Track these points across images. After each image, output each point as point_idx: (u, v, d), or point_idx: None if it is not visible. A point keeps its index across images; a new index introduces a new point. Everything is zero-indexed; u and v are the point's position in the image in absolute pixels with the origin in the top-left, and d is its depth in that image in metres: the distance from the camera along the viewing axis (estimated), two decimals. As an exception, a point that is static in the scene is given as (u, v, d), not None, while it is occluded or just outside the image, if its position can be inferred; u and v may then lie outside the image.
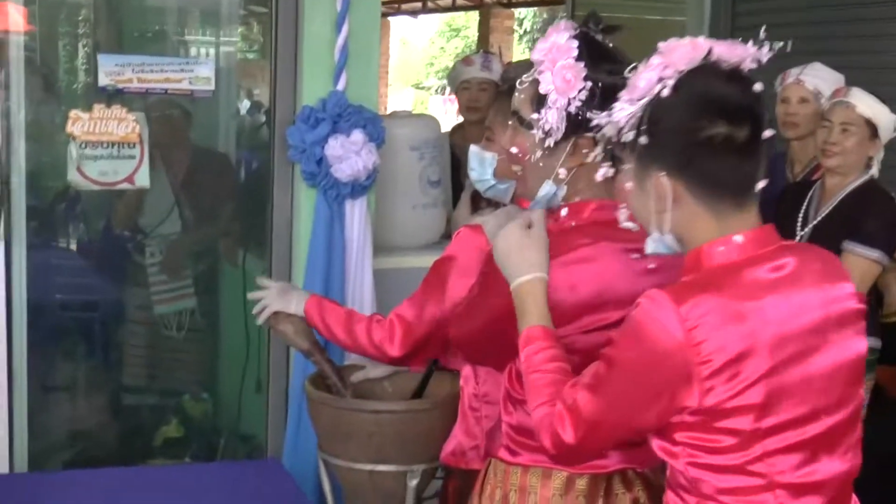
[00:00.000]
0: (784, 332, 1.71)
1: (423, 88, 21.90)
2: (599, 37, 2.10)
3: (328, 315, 2.70)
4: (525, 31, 18.83)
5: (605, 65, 2.05)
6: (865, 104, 3.68)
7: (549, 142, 2.06)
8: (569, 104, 2.03)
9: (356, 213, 3.45)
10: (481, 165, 2.53)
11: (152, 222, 4.38)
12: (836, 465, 1.79)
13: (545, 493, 2.12)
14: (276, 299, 2.77)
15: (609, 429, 1.78)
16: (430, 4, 15.34)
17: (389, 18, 17.00)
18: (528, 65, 2.16)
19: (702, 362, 1.66)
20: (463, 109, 4.57)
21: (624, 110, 1.76)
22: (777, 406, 1.70)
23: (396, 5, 15.66)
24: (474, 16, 16.13)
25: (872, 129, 3.69)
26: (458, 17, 20.86)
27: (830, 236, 3.66)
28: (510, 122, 2.17)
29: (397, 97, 19.91)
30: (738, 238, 1.75)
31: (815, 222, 3.75)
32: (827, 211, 3.73)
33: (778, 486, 1.73)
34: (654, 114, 1.74)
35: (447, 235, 3.96)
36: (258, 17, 4.15)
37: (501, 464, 2.19)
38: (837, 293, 1.79)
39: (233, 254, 4.39)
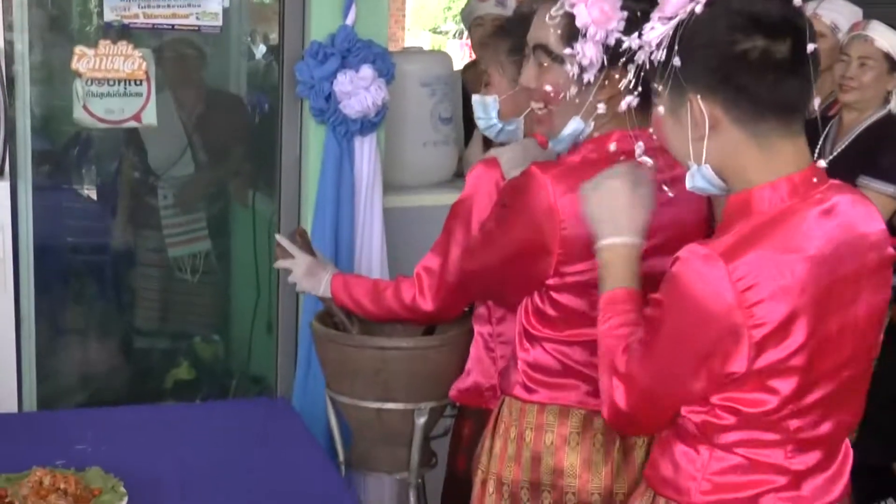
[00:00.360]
0: (829, 284, 1.65)
1: (440, 33, 21.69)
2: None
3: (354, 290, 2.61)
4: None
5: None
6: (885, 37, 3.62)
7: (587, 76, 1.99)
8: (606, 36, 1.97)
9: (366, 151, 3.41)
10: (485, 111, 2.48)
11: (165, 164, 4.36)
12: (844, 417, 1.76)
13: (562, 430, 2.10)
14: (305, 279, 2.69)
15: (661, 396, 1.73)
16: (446, -54, 15.16)
17: (405, -39, 16.83)
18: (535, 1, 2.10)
19: (754, 325, 1.60)
20: (476, 46, 4.50)
21: (655, 30, 1.68)
22: (817, 363, 1.66)
23: (412, -52, 15.48)
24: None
25: (891, 62, 3.63)
26: (475, -39, 20.61)
27: (846, 172, 3.60)
28: (539, 61, 2.08)
29: (414, 41, 19.75)
30: (787, 182, 1.67)
31: (831, 157, 3.69)
32: (843, 146, 3.68)
33: (791, 442, 1.71)
34: (687, 31, 1.65)
35: (459, 174, 3.91)
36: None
37: (517, 402, 2.17)
38: (875, 238, 1.73)
39: (243, 195, 4.36)
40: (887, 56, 3.62)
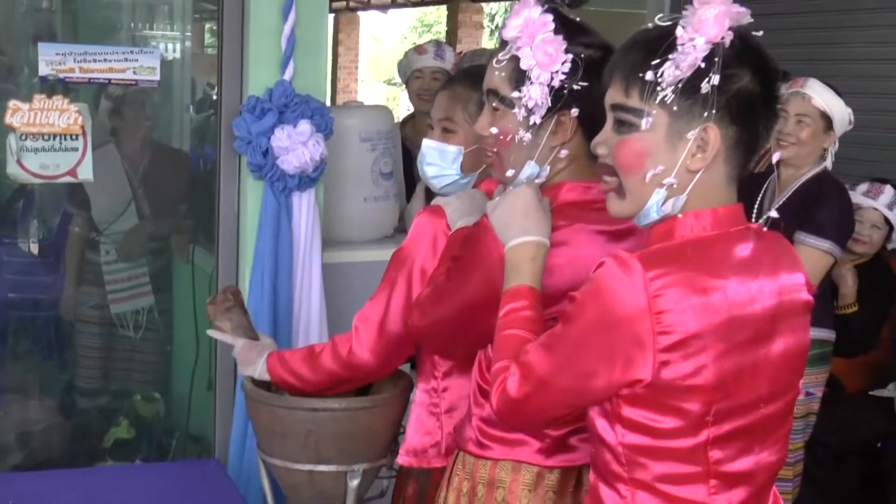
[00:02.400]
0: (742, 315, 1.66)
1: (394, 84, 21.82)
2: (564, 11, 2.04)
3: (290, 362, 2.54)
4: (496, 26, 18.77)
5: (581, 37, 2.01)
6: (821, 96, 3.66)
7: (534, 119, 2.00)
8: (551, 79, 1.98)
9: (304, 206, 3.38)
10: (444, 160, 2.44)
11: (108, 218, 4.30)
12: (766, 455, 1.75)
13: (514, 487, 2.06)
14: (241, 366, 2.62)
15: (557, 391, 1.73)
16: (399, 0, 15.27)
17: (359, 13, 16.93)
18: (483, 52, 2.09)
19: (660, 332, 1.61)
20: (414, 98, 4.50)
21: (690, 54, 1.64)
22: (726, 391, 1.66)
23: (366, 0, 15.58)
24: (445, 11, 16.06)
25: (827, 121, 3.66)
26: (429, 13, 20.79)
27: (783, 227, 3.62)
28: (491, 105, 2.08)
29: (368, 93, 19.83)
30: (712, 213, 1.69)
31: (768, 214, 3.70)
32: (780, 202, 3.70)
33: (713, 476, 1.69)
34: (725, 58, 1.64)
35: (400, 229, 3.89)
36: (210, 12, 4.08)
37: (470, 457, 2.13)
38: (791, 282, 1.75)
39: (184, 249, 4.32)
40: (823, 114, 3.66)
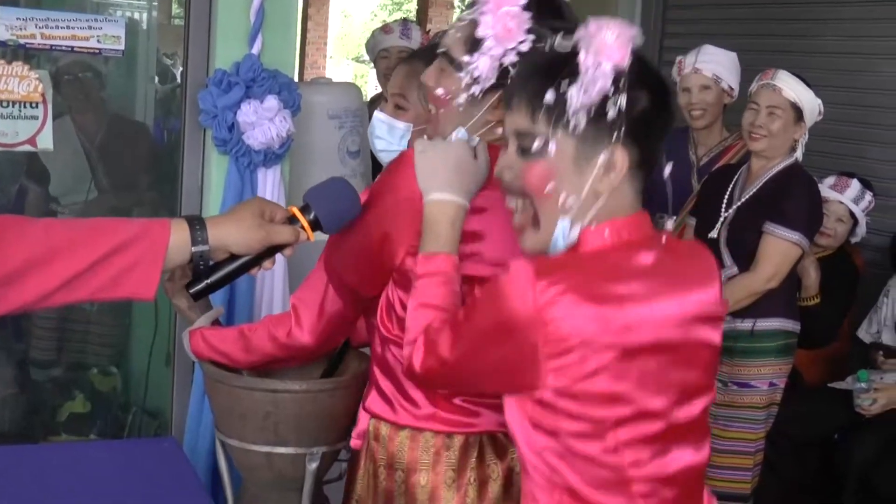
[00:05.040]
0: (640, 322, 1.64)
1: (363, 62, 21.72)
2: None
3: (217, 343, 2.44)
4: (467, 6, 18.72)
5: (551, 20, 1.90)
6: (791, 87, 3.66)
7: (475, 89, 1.90)
8: (504, 54, 1.88)
9: (269, 183, 3.33)
10: (392, 135, 2.41)
11: (67, 190, 4.24)
12: (689, 456, 1.74)
13: (413, 464, 2.03)
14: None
15: (455, 374, 1.77)
16: (369, -24, 15.15)
17: (329, -10, 16.78)
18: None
19: (550, 340, 1.60)
20: (381, 78, 4.46)
21: (599, 80, 1.62)
22: (627, 397, 1.65)
23: (336, -24, 15.45)
24: (415, -10, 15.97)
25: (798, 112, 3.67)
26: (400, -9, 20.68)
27: (752, 218, 3.64)
28: (440, 64, 2.00)
29: (337, 70, 19.71)
30: (610, 224, 1.69)
31: (738, 204, 3.71)
32: (751, 193, 3.70)
33: (633, 480, 1.68)
34: (628, 81, 1.63)
35: (366, 208, 3.85)
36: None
37: (374, 420, 2.10)
38: (700, 298, 1.73)
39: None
40: (794, 105, 3.66)
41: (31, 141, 3.32)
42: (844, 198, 4.22)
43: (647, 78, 1.68)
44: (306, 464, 2.52)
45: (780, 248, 3.58)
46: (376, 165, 4.08)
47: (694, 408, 1.73)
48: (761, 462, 3.76)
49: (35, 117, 3.30)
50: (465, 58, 1.92)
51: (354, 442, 2.32)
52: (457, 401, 2.02)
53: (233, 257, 1.87)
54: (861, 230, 4.31)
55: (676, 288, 1.70)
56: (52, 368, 4.34)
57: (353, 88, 4.04)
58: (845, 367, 4.33)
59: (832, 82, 4.62)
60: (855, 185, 4.24)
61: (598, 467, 1.67)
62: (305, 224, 1.91)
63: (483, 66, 1.88)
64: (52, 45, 3.32)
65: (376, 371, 2.11)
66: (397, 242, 1.96)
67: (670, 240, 1.74)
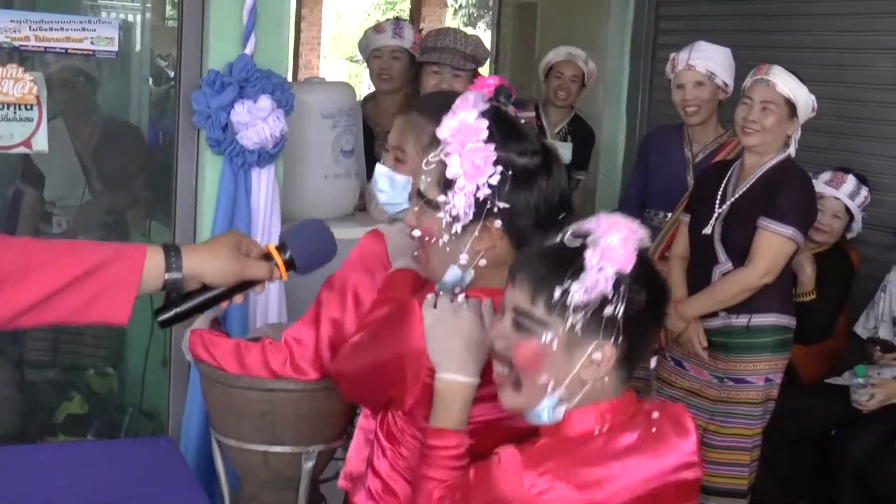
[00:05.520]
0: (620, 495, 1.72)
1: (356, 61, 21.71)
2: (510, 110, 1.99)
3: (214, 349, 2.53)
4: (460, 5, 18.70)
5: (515, 144, 1.93)
6: (785, 83, 3.66)
7: (457, 227, 1.93)
8: (477, 189, 1.90)
9: (263, 182, 3.34)
10: (393, 188, 2.41)
11: (61, 191, 4.24)
12: None
13: None
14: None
15: None
16: (364, -24, 15.15)
17: (323, -10, 16.78)
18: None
19: None
20: (374, 78, 4.45)
21: (599, 285, 1.70)
22: None
23: (330, -24, 15.45)
24: (409, -11, 15.97)
25: (791, 107, 3.66)
26: (394, -9, 20.65)
27: (746, 213, 3.64)
28: (417, 205, 2.01)
29: (331, 69, 19.70)
30: (594, 408, 1.76)
31: (732, 199, 3.71)
32: (744, 188, 3.70)
33: None
34: (629, 285, 1.72)
35: (360, 208, 3.85)
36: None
37: None
38: (676, 461, 1.80)
39: (141, 224, 4.27)
40: (788, 101, 3.65)
41: (27, 143, 3.32)
42: (840, 193, 4.22)
43: (647, 279, 1.75)
44: (302, 463, 2.53)
45: (774, 242, 3.58)
46: (370, 165, 4.09)
47: None
48: (758, 458, 3.76)
49: (30, 119, 3.30)
50: (441, 198, 1.94)
51: (341, 483, 2.31)
52: None
53: (205, 288, 1.84)
54: (857, 226, 4.30)
55: (657, 454, 1.78)
56: (49, 369, 4.34)
57: (346, 88, 4.03)
58: (842, 363, 4.33)
59: (827, 77, 4.62)
60: (851, 181, 4.24)
61: None
62: (280, 262, 1.89)
63: (460, 203, 1.91)
64: (46, 48, 3.32)
65: (368, 472, 2.12)
66: (405, 391, 1.98)
67: (650, 409, 1.81)
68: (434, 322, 1.91)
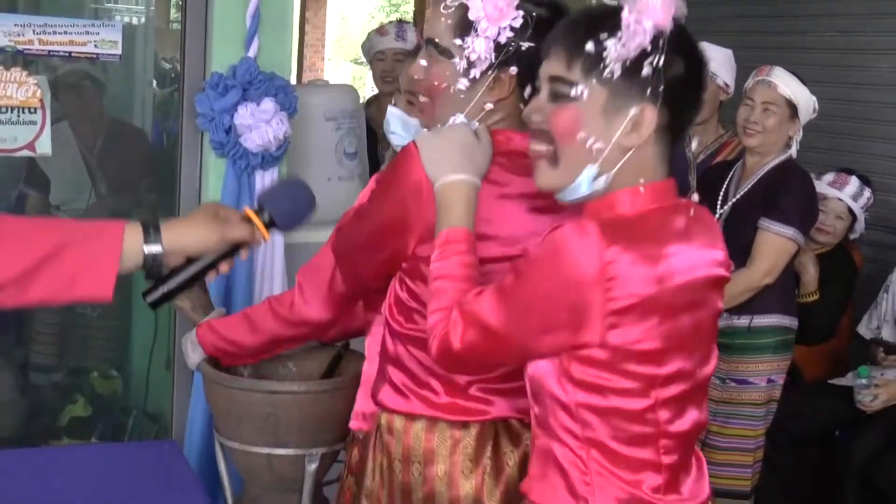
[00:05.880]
0: (682, 283, 1.71)
1: (360, 63, 21.73)
2: None
3: (224, 330, 2.52)
4: None
5: None
6: (787, 84, 3.67)
7: (474, 72, 1.94)
8: (498, 34, 1.92)
9: (267, 185, 3.33)
10: (406, 130, 2.40)
11: (66, 194, 4.24)
12: (698, 415, 1.82)
13: (430, 457, 2.02)
14: (187, 342, 2.61)
15: (505, 344, 1.74)
16: (367, -22, 15.14)
17: (327, -8, 16.77)
18: None
19: (611, 298, 1.64)
20: (378, 80, 4.46)
21: (638, 35, 1.66)
22: (672, 354, 1.73)
23: (333, -22, 15.44)
24: (413, -9, 15.95)
25: (793, 109, 3.67)
26: (397, -8, 20.68)
27: (748, 214, 3.65)
28: (429, 53, 2.02)
29: (335, 72, 19.72)
30: (650, 187, 1.74)
31: (733, 200, 3.72)
32: (746, 189, 3.71)
33: (663, 436, 1.75)
34: (667, 42, 1.68)
35: (364, 210, 3.85)
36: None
37: (385, 413, 2.08)
38: (715, 257, 1.80)
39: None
40: (789, 102, 3.66)
41: (30, 146, 3.33)
42: (843, 195, 4.22)
43: (685, 47, 1.72)
44: (306, 465, 2.53)
45: (775, 242, 3.58)
46: (374, 167, 4.10)
47: (709, 368, 1.82)
48: (761, 459, 3.77)
49: (34, 122, 3.31)
50: (458, 42, 1.95)
51: (353, 423, 2.29)
52: (472, 390, 2.02)
53: (189, 262, 1.83)
54: (860, 227, 4.31)
55: (702, 252, 1.77)
56: (53, 372, 4.34)
57: (349, 90, 4.04)
58: (846, 364, 4.33)
59: (829, 78, 4.63)
60: (854, 182, 4.24)
61: (635, 424, 1.73)
62: (260, 224, 1.88)
63: (479, 47, 1.92)
64: (49, 51, 3.33)
65: (387, 367, 2.10)
66: (408, 231, 1.96)
67: (688, 204, 1.80)
68: (427, 139, 1.92)
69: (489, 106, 1.97)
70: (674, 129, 1.75)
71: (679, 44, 1.70)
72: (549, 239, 1.70)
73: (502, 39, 1.93)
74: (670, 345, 1.71)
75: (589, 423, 1.73)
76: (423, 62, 2.03)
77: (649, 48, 1.66)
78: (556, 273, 1.67)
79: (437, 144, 1.91)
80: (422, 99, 2.07)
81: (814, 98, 3.70)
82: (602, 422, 1.72)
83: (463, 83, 1.96)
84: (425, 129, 2.17)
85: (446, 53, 1.98)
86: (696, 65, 1.76)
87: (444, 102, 2.01)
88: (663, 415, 1.74)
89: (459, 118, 1.99)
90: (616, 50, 1.66)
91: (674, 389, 1.74)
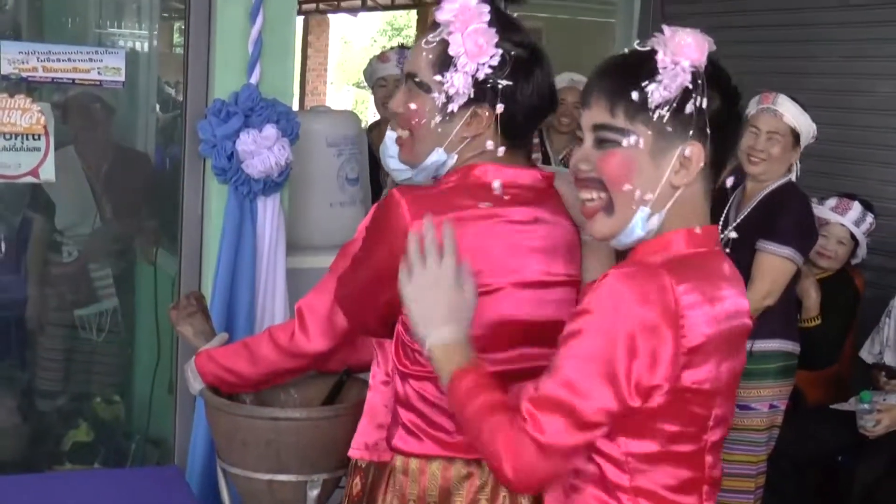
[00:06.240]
0: (730, 328, 1.74)
1: (363, 87, 21.80)
2: (502, 6, 2.04)
3: (223, 359, 2.50)
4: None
5: (513, 34, 2.00)
6: (791, 113, 3.70)
7: (452, 107, 1.98)
8: (477, 70, 1.97)
9: (269, 211, 3.35)
10: None
11: (71, 219, 4.26)
12: (720, 464, 1.83)
13: (446, 485, 2.02)
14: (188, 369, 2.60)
15: (574, 407, 1.64)
16: (369, 2, 15.24)
17: (329, 16, 16.88)
18: None
19: (683, 336, 1.65)
20: (379, 106, 4.49)
21: (679, 77, 1.69)
22: (719, 396, 1.74)
23: (336, 3, 15.54)
24: (415, 15, 16.04)
25: (796, 136, 3.70)
26: (399, 17, 20.77)
27: (748, 237, 3.66)
28: (408, 87, 2.06)
29: (338, 96, 19.79)
30: (699, 230, 1.76)
31: (734, 224, 3.73)
32: (745, 213, 3.72)
33: (706, 482, 1.76)
34: (708, 79, 1.71)
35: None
36: (178, 11, 4.06)
37: (400, 457, 2.07)
38: (746, 306, 1.82)
39: (147, 251, 4.29)
40: (793, 131, 3.69)
41: (34, 172, 3.35)
42: (846, 220, 4.23)
43: (720, 81, 1.75)
44: (307, 491, 2.52)
45: (773, 263, 3.59)
46: (375, 192, 4.11)
47: (731, 417, 1.83)
48: (763, 485, 3.76)
49: (38, 149, 3.33)
50: (437, 77, 1.99)
51: (353, 452, 2.28)
52: None
53: None
54: (862, 252, 4.31)
55: (740, 300, 1.79)
56: (57, 398, 4.35)
57: (351, 116, 4.06)
58: (848, 388, 4.33)
59: (830, 103, 4.64)
60: (856, 208, 4.25)
61: (685, 469, 1.73)
62: None
63: (458, 82, 1.97)
64: (53, 78, 3.35)
65: (399, 409, 2.09)
66: None
67: (723, 250, 1.84)
68: (414, 297, 1.84)
69: (468, 140, 2.00)
70: (716, 164, 1.77)
71: (715, 79, 1.73)
72: (607, 288, 1.66)
73: (480, 76, 1.97)
74: (718, 387, 1.72)
75: (640, 472, 1.71)
76: (403, 96, 2.07)
77: (691, 87, 1.69)
78: (626, 317, 1.63)
79: (424, 305, 1.84)
80: (400, 132, 2.11)
81: (813, 125, 3.73)
82: (654, 469, 1.71)
83: (440, 117, 2.00)
84: (405, 165, 2.18)
85: (424, 87, 2.02)
86: (733, 98, 1.78)
87: (422, 136, 2.04)
88: (708, 460, 1.75)
89: (439, 153, 2.02)
90: (659, 93, 1.69)
91: (717, 434, 1.76)
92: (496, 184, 1.96)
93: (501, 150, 1.99)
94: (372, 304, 2.08)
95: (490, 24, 1.97)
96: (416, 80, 2.04)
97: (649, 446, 1.70)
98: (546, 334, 1.89)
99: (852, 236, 4.23)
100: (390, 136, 2.39)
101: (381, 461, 2.27)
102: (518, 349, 2.01)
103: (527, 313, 2.00)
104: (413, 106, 2.04)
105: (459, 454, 2.02)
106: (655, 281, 1.64)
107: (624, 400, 1.65)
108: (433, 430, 2.04)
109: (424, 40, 2.02)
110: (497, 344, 1.98)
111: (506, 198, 1.98)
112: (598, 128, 1.75)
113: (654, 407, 1.67)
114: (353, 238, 2.37)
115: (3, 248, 4.28)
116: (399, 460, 2.09)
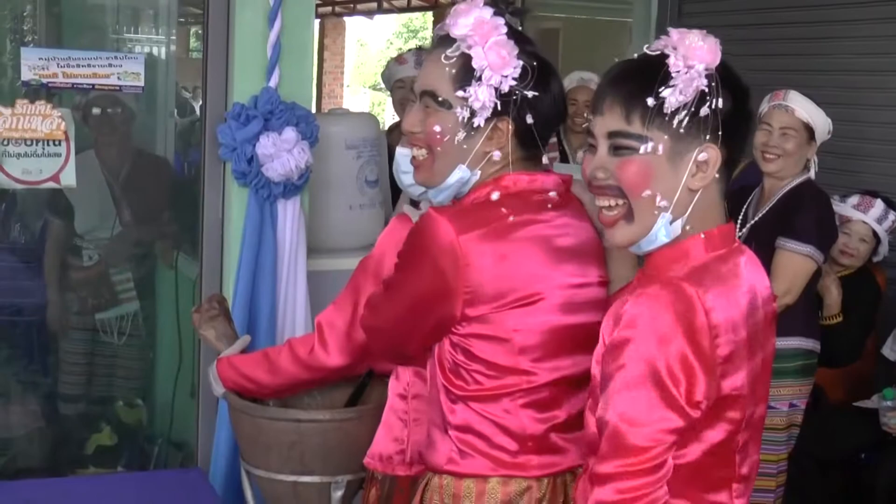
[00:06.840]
0: (753, 324, 1.74)
1: (380, 90, 21.83)
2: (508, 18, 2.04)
3: (244, 367, 2.52)
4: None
5: (527, 45, 2.01)
6: (803, 108, 3.69)
7: (477, 121, 1.97)
8: (501, 82, 1.96)
9: (289, 214, 3.36)
10: None
11: (91, 224, 4.28)
12: (755, 457, 1.84)
13: (506, 499, 2.00)
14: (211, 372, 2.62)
15: (627, 433, 1.65)
16: (385, 5, 15.24)
17: (345, 19, 16.91)
18: None
19: (717, 346, 1.65)
20: (398, 108, 4.49)
21: (694, 80, 1.69)
22: (749, 396, 1.73)
23: (352, 5, 15.56)
24: (430, 17, 16.05)
25: (810, 132, 3.69)
26: (415, 19, 20.79)
27: (766, 235, 3.65)
28: (425, 105, 2.04)
29: (354, 98, 19.82)
30: (718, 231, 1.76)
31: (753, 222, 3.73)
32: (764, 211, 3.71)
33: (736, 480, 1.77)
34: (722, 80, 1.72)
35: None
36: (195, 16, 4.08)
37: (448, 477, 2.04)
38: (767, 293, 1.83)
39: (168, 255, 4.31)
40: (807, 126, 3.68)
41: (55, 178, 3.37)
42: (868, 217, 4.20)
43: (731, 81, 1.75)
44: (332, 492, 2.53)
45: (793, 261, 3.58)
46: (395, 194, 4.11)
47: (764, 406, 1.84)
48: (784, 483, 3.75)
49: (58, 154, 3.35)
50: (459, 93, 1.98)
51: (368, 462, 2.30)
52: (552, 437, 2.02)
53: None
54: (884, 249, 4.29)
55: (761, 291, 1.80)
56: (80, 402, 4.37)
57: (370, 118, 4.06)
58: (870, 386, 4.31)
59: (846, 100, 4.63)
60: (879, 205, 4.22)
61: (717, 468, 1.74)
62: None
63: (483, 96, 1.96)
64: (73, 84, 3.37)
65: (450, 433, 2.05)
66: (452, 294, 1.95)
67: (741, 244, 1.84)
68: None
69: (497, 155, 2.00)
70: (729, 163, 1.77)
71: (726, 79, 1.73)
72: (643, 316, 1.65)
73: (504, 88, 1.96)
74: (750, 388, 1.72)
75: (675, 476, 1.69)
76: (419, 115, 2.05)
77: (706, 90, 1.69)
78: (667, 345, 1.63)
79: None
80: (416, 152, 2.08)
81: (829, 120, 3.71)
82: (691, 471, 1.71)
83: (463, 133, 1.99)
84: (423, 188, 2.18)
85: (445, 104, 2.00)
86: (743, 97, 1.78)
87: (444, 153, 2.02)
88: (738, 458, 1.76)
89: (462, 169, 2.01)
90: (676, 97, 1.69)
91: (748, 431, 1.76)
92: (552, 193, 2.00)
93: (522, 160, 2.02)
94: (418, 330, 2.05)
95: (508, 36, 1.97)
96: (435, 97, 2.02)
97: (690, 451, 1.70)
98: (590, 338, 1.89)
99: (874, 234, 4.21)
100: (402, 152, 2.39)
101: (394, 475, 2.28)
102: (571, 356, 2.01)
103: (572, 318, 2.01)
104: (434, 125, 2.02)
105: (518, 473, 2.01)
106: (685, 301, 1.64)
107: (688, 416, 1.65)
108: (493, 451, 2.02)
109: (443, 56, 2.00)
110: (555, 351, 1.99)
111: (548, 206, 2.00)
112: (613, 135, 1.74)
113: (698, 418, 1.67)
114: (372, 253, 2.39)
115: (20, 254, 4.31)
116: (447, 479, 2.05)
